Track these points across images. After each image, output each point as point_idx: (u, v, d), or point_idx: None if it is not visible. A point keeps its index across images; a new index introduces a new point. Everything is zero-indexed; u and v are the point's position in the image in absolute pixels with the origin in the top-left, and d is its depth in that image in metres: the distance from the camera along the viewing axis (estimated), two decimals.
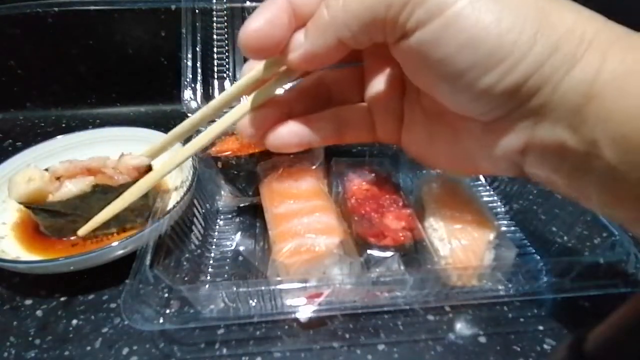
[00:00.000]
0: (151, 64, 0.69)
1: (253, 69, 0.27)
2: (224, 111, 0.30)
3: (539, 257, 0.44)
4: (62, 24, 0.64)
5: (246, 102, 0.28)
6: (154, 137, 0.54)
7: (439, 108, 0.25)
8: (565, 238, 0.44)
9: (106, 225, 0.39)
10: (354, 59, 0.28)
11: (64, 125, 0.69)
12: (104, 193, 0.38)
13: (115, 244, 0.38)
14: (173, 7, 0.64)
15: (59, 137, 0.54)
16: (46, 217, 0.40)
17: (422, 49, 0.20)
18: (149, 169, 0.38)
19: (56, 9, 0.63)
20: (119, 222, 0.40)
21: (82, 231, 0.38)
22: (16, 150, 0.52)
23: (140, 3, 0.64)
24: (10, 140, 0.65)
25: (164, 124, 0.65)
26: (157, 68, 0.68)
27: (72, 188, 0.37)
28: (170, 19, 0.65)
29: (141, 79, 0.69)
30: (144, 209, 0.41)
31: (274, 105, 0.28)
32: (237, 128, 0.28)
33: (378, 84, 0.28)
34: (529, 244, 0.46)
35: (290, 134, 0.28)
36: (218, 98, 0.29)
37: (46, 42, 0.66)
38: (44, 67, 0.67)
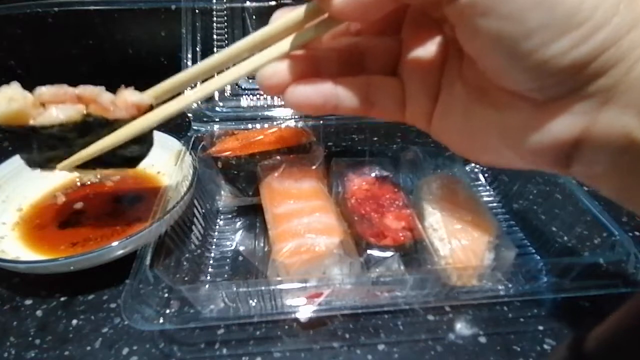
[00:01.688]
0: (151, 64, 0.69)
1: (283, 17, 0.24)
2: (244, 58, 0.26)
3: (539, 257, 0.44)
4: (62, 24, 0.64)
5: (271, 49, 0.24)
6: (154, 136, 0.54)
7: (483, 84, 0.22)
8: (565, 238, 0.44)
9: (90, 164, 0.33)
10: (391, 32, 0.26)
11: None
12: (96, 126, 0.32)
13: (115, 243, 0.38)
14: (173, 7, 0.64)
15: None
16: (25, 146, 0.35)
17: (489, 2, 0.18)
18: (149, 109, 0.33)
19: (56, 9, 0.63)
20: (105, 164, 0.35)
21: (62, 166, 0.33)
22: (16, 150, 0.52)
23: (140, 3, 0.64)
24: None
25: (163, 123, 0.65)
26: (157, 68, 0.69)
27: (58, 114, 0.32)
28: (170, 19, 0.65)
29: (141, 79, 0.69)
30: (137, 153, 0.36)
31: (301, 58, 0.25)
32: (257, 77, 0.24)
33: (416, 55, 0.25)
34: (529, 244, 0.46)
35: (315, 92, 0.24)
36: (240, 42, 0.25)
37: (46, 42, 0.66)
38: (44, 67, 0.68)
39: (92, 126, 0.32)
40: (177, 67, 0.59)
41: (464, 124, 0.25)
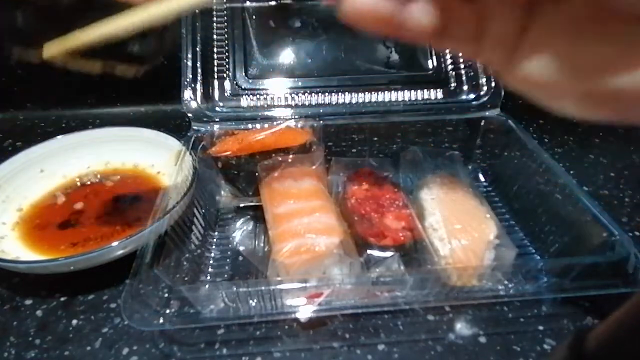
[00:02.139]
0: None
1: None
2: None
3: (539, 257, 0.44)
4: None
5: None
6: (154, 136, 0.54)
7: (595, 12, 0.18)
8: (565, 238, 0.44)
9: (85, 54, 0.26)
10: None
11: (64, 125, 0.69)
12: (98, 4, 0.26)
13: (115, 243, 0.38)
14: None
15: (59, 137, 0.54)
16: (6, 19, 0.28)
17: None
18: None
19: None
20: (103, 55, 0.29)
21: (51, 49, 0.26)
22: (16, 150, 0.52)
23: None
24: (10, 140, 0.65)
25: (164, 124, 0.65)
26: (157, 68, 0.68)
27: None
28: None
29: (141, 79, 0.69)
30: (143, 50, 0.30)
31: None
32: None
33: None
34: (529, 244, 0.46)
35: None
36: None
37: None
38: (44, 67, 0.67)
39: (93, 3, 0.27)
40: (177, 67, 0.59)
41: (559, 66, 0.20)
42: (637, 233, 0.47)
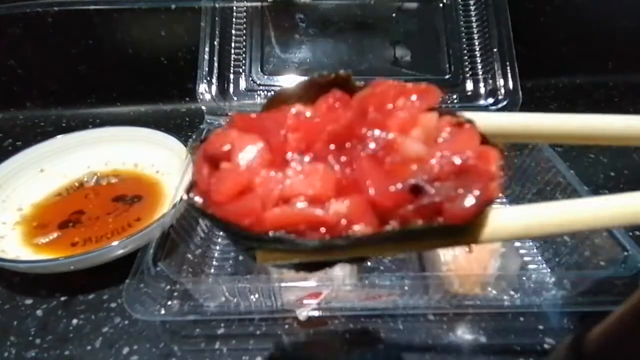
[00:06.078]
0: (151, 64, 0.69)
1: None
2: None
3: (547, 269, 0.42)
4: (62, 23, 0.64)
5: None
6: (154, 136, 0.54)
7: None
8: (575, 250, 0.43)
9: None
10: None
11: (64, 124, 0.69)
12: None
13: (115, 243, 0.38)
14: (173, 6, 0.64)
15: (59, 136, 0.54)
16: None
17: None
18: None
19: (56, 8, 0.63)
20: None
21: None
22: (16, 150, 0.52)
23: (140, 3, 0.64)
24: (10, 140, 0.65)
25: (163, 123, 0.65)
26: (157, 68, 0.68)
27: None
28: (170, 19, 0.65)
29: (141, 79, 0.70)
30: None
31: None
32: None
33: None
34: (537, 254, 0.44)
35: None
36: None
37: (46, 42, 0.66)
38: (44, 67, 0.67)
39: None
40: (177, 67, 0.60)
41: None
42: (637, 232, 0.47)
